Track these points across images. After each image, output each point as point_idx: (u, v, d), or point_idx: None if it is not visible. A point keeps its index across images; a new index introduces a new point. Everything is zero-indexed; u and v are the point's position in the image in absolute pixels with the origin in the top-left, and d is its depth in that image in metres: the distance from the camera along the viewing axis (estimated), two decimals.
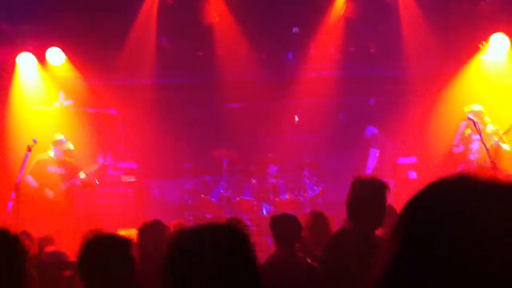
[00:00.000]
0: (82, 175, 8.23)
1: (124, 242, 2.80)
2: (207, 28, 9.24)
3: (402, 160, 9.74)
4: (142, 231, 4.60)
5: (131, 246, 2.81)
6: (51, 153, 8.21)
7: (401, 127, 9.69)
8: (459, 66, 9.05)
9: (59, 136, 8.28)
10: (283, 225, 4.23)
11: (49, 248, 5.06)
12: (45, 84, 9.24)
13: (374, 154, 9.01)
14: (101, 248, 2.72)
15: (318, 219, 4.95)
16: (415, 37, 8.99)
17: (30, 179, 7.97)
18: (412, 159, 9.71)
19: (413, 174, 9.53)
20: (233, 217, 5.89)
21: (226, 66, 9.63)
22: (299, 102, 9.90)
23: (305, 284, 3.86)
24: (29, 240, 4.94)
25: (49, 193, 8.02)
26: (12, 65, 8.82)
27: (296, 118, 8.88)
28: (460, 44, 8.84)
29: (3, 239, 1.96)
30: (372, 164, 9.00)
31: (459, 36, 8.71)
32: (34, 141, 7.23)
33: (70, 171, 8.25)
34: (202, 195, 9.20)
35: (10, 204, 6.68)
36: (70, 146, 8.27)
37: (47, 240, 5.60)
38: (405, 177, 9.44)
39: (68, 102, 9.66)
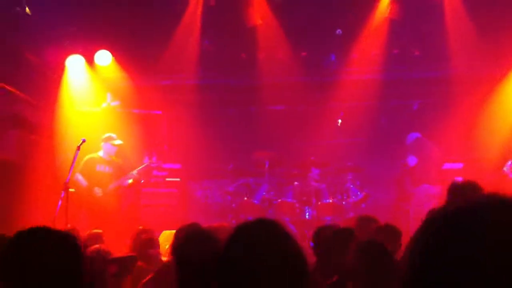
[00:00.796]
0: (134, 172, 8.40)
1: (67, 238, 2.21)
2: (250, 30, 9.30)
3: (448, 166, 9.54)
4: (179, 233, 4.52)
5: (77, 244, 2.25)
6: (100, 153, 8.41)
7: (447, 132, 9.49)
8: (509, 67, 8.80)
9: (109, 134, 8.48)
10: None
11: (94, 246, 5.19)
12: (93, 85, 9.49)
13: (412, 162, 8.67)
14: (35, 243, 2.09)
15: (368, 224, 4.81)
16: (461, 38, 8.80)
17: (80, 178, 8.15)
18: (459, 165, 9.49)
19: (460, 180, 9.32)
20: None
21: (268, 68, 9.65)
22: (342, 105, 9.85)
23: None
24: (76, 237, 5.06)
25: (98, 191, 8.18)
26: (61, 66, 9.08)
27: (339, 121, 8.82)
28: (510, 43, 8.59)
29: (67, 243, 1.97)
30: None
31: (509, 35, 8.46)
32: (83, 141, 7.40)
33: (118, 170, 8.42)
34: (245, 198, 9.26)
35: (60, 203, 6.85)
36: (119, 141, 8.44)
37: (95, 238, 5.73)
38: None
39: (115, 103, 9.88)
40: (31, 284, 1.83)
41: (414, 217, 8.30)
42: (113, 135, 8.44)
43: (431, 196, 8.42)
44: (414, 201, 8.62)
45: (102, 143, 8.39)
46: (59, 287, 1.78)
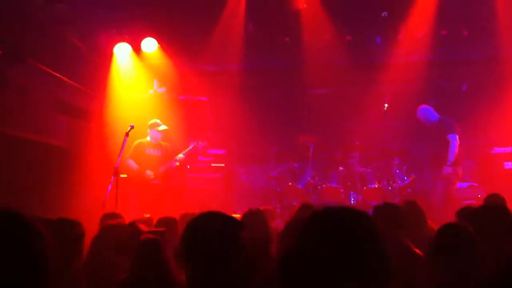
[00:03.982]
0: (180, 155, 8.54)
1: (234, 222, 2.66)
2: (294, 13, 9.24)
3: (497, 150, 9.28)
4: (245, 217, 4.49)
5: (241, 227, 2.66)
6: (148, 138, 8.58)
7: (497, 114, 9.23)
8: None
9: (154, 120, 8.64)
10: (385, 213, 4.12)
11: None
12: (140, 72, 9.65)
13: (454, 140, 8.12)
14: (209, 226, 2.57)
15: (413, 209, 4.73)
16: (511, 16, 8.51)
17: (132, 163, 8.32)
18: (509, 149, 9.21)
19: (509, 165, 9.06)
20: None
21: (313, 52, 9.57)
22: (388, 88, 9.68)
23: (408, 271, 3.69)
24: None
25: (150, 174, 8.33)
26: (109, 54, 9.26)
27: (386, 105, 8.68)
28: None
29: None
30: (453, 151, 8.10)
31: None
32: (131, 127, 7.52)
33: (166, 154, 8.58)
34: (289, 183, 9.27)
35: (109, 188, 7.02)
36: (164, 127, 8.58)
37: (146, 222, 5.85)
38: (500, 168, 9.00)
39: (162, 90, 10.03)
40: None
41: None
42: (158, 121, 8.58)
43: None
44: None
45: (148, 130, 8.55)
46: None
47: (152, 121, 8.60)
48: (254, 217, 4.25)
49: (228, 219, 2.66)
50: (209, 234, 2.56)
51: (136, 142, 8.40)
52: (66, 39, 8.31)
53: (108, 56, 9.27)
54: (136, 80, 9.69)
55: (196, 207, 7.70)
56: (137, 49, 9.30)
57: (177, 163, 8.50)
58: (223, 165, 10.09)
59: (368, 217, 1.79)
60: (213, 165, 10.02)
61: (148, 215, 6.05)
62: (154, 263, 3.24)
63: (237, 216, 4.80)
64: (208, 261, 2.52)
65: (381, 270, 1.71)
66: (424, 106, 8.58)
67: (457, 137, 8.08)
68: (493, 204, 3.70)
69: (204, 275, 2.50)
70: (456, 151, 8.04)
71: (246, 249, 2.63)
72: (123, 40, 9.18)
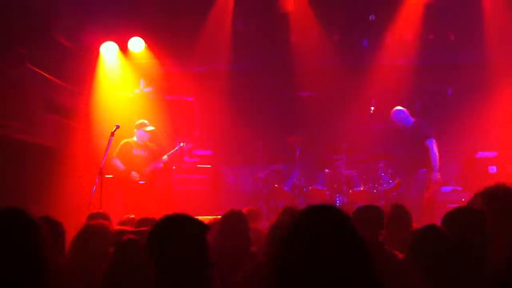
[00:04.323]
0: (165, 157, 8.51)
1: (200, 224, 2.63)
2: (283, 15, 9.27)
3: (481, 154, 9.34)
4: (225, 218, 4.52)
5: (206, 230, 2.65)
6: (135, 138, 8.54)
7: (482, 118, 9.31)
8: None
9: (142, 120, 8.59)
10: (366, 215, 4.17)
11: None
12: (127, 71, 9.61)
13: (433, 145, 7.85)
14: (174, 228, 2.57)
15: (399, 212, 4.76)
16: (497, 22, 8.62)
17: (118, 162, 8.25)
18: (493, 154, 9.30)
19: (493, 169, 9.11)
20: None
21: (301, 54, 9.61)
22: (374, 91, 9.73)
23: (389, 273, 3.71)
24: (108, 222, 5.12)
25: (135, 175, 8.29)
26: (95, 53, 9.21)
27: (372, 108, 8.72)
28: None
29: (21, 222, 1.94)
30: (435, 156, 7.83)
31: None
32: (117, 127, 7.48)
33: (152, 154, 8.54)
34: (276, 185, 9.29)
35: (94, 188, 6.98)
36: (152, 127, 8.54)
37: (130, 223, 5.82)
38: (484, 172, 9.06)
39: (148, 89, 9.99)
40: None
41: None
42: (146, 121, 8.55)
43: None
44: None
45: (135, 130, 8.51)
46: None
47: (140, 121, 8.55)
48: (234, 217, 4.29)
49: (192, 221, 2.63)
50: (173, 237, 2.54)
51: (122, 142, 8.35)
52: (51, 36, 8.24)
53: (95, 55, 9.22)
54: (122, 79, 9.64)
55: (181, 208, 7.71)
56: (124, 49, 9.26)
57: (161, 165, 8.47)
58: (209, 166, 10.07)
59: (347, 217, 1.87)
60: (199, 166, 10.00)
61: (132, 216, 6.02)
62: (132, 263, 3.24)
63: (217, 217, 4.82)
64: (172, 264, 2.50)
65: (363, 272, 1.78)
66: (398, 108, 8.36)
67: (434, 141, 7.88)
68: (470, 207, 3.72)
69: (169, 278, 2.49)
70: (437, 156, 7.85)
71: (208, 251, 2.61)
72: (110, 39, 9.13)
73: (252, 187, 10.07)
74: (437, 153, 7.86)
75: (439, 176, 7.88)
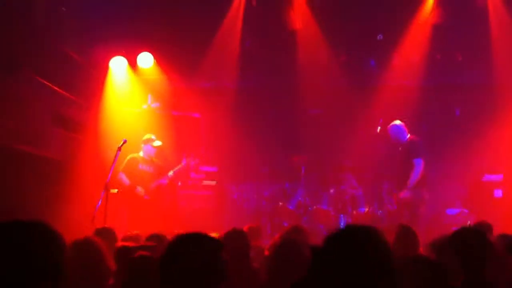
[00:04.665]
0: (170, 173, 8.52)
1: (216, 243, 2.58)
2: (291, 33, 9.31)
3: (488, 177, 9.27)
4: (227, 237, 4.52)
5: (222, 248, 2.59)
6: (141, 153, 8.57)
7: (489, 140, 9.26)
8: None
9: (149, 135, 8.62)
10: None
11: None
12: (135, 86, 9.67)
13: (418, 165, 7.83)
14: (189, 248, 2.52)
15: (407, 233, 4.73)
16: (505, 43, 8.62)
17: (124, 177, 8.29)
18: (499, 177, 9.23)
19: (498, 193, 9.04)
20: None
21: (308, 72, 9.64)
22: (381, 111, 9.72)
23: None
24: (113, 237, 5.11)
25: (141, 190, 8.30)
26: (104, 67, 9.29)
27: (379, 128, 8.69)
28: None
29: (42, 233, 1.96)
30: (416, 176, 7.82)
31: None
32: (124, 141, 7.48)
33: (158, 170, 8.56)
34: (280, 203, 9.26)
35: (99, 202, 6.97)
36: (159, 143, 8.57)
37: (134, 239, 5.81)
38: (490, 196, 9.00)
39: (156, 105, 10.03)
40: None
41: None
42: (153, 136, 8.58)
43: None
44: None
45: (142, 144, 8.53)
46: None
47: (147, 136, 8.58)
48: (235, 235, 4.31)
49: (207, 239, 2.59)
50: (188, 255, 2.51)
51: (129, 157, 8.38)
52: (61, 50, 8.32)
53: (104, 70, 9.29)
54: (130, 94, 9.70)
55: (185, 225, 7.70)
56: (133, 64, 9.33)
57: (166, 181, 8.48)
58: (215, 182, 10.07)
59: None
60: (204, 182, 10.00)
61: (136, 232, 6.02)
62: (146, 280, 3.22)
63: (215, 235, 4.84)
64: (188, 282, 2.46)
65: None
66: (396, 123, 8.32)
67: (422, 162, 7.82)
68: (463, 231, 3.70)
69: None
70: (418, 176, 7.79)
71: (226, 269, 2.58)
72: (120, 54, 9.21)
73: (256, 204, 10.05)
74: (419, 174, 7.81)
75: (408, 195, 7.82)
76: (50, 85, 7.98)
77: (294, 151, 9.82)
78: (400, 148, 8.23)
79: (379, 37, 9.35)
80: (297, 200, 9.31)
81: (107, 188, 7.10)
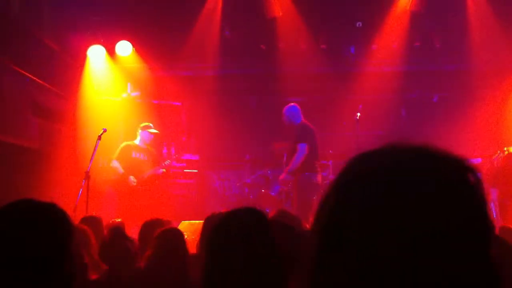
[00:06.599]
0: (167, 162, 8.47)
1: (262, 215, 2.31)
2: (270, 21, 9.30)
3: None
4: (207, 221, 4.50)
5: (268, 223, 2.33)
6: (136, 141, 8.45)
7: (467, 125, 9.41)
8: None
9: (147, 123, 8.55)
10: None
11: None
12: (114, 75, 9.57)
13: (302, 150, 7.72)
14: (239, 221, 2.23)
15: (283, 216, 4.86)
16: (483, 30, 8.73)
17: (117, 165, 8.20)
18: (477, 160, 9.38)
19: None
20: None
21: (288, 59, 9.65)
22: (361, 97, 9.79)
23: None
24: (99, 225, 5.09)
25: (133, 180, 8.21)
26: (82, 56, 9.17)
27: (358, 114, 8.75)
28: None
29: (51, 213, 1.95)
30: (297, 160, 7.71)
31: None
32: (104, 130, 7.42)
33: (152, 159, 8.48)
34: (262, 190, 9.29)
35: (80, 191, 6.93)
36: (156, 131, 8.50)
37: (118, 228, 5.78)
38: None
39: (135, 93, 9.96)
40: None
41: None
42: (150, 124, 8.52)
43: None
44: None
45: (140, 131, 8.44)
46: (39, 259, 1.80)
47: (145, 123, 8.53)
48: (214, 219, 4.34)
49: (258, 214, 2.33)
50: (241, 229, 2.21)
51: (123, 144, 8.34)
52: (38, 39, 8.20)
53: (82, 58, 9.17)
54: (109, 83, 9.60)
55: (168, 213, 7.68)
56: (111, 52, 9.23)
57: (163, 170, 8.43)
58: (196, 170, 10.06)
59: None
60: (186, 170, 9.97)
61: (119, 220, 6.00)
62: (173, 255, 3.45)
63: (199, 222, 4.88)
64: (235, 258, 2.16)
65: None
66: (292, 105, 8.16)
67: (306, 147, 7.70)
68: None
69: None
70: (299, 162, 7.67)
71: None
72: (98, 43, 9.10)
73: (238, 192, 10.07)
74: (300, 160, 7.69)
75: (283, 177, 7.88)
76: (27, 74, 7.87)
77: (276, 138, 9.84)
78: (292, 131, 8.11)
79: (358, 24, 9.39)
80: (279, 187, 9.35)
81: (87, 177, 7.07)
